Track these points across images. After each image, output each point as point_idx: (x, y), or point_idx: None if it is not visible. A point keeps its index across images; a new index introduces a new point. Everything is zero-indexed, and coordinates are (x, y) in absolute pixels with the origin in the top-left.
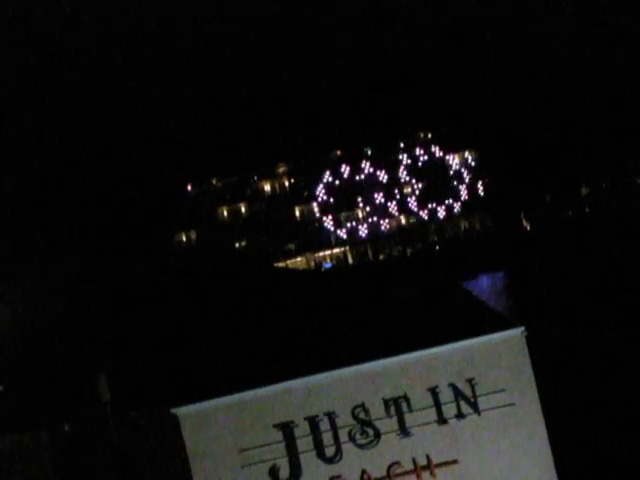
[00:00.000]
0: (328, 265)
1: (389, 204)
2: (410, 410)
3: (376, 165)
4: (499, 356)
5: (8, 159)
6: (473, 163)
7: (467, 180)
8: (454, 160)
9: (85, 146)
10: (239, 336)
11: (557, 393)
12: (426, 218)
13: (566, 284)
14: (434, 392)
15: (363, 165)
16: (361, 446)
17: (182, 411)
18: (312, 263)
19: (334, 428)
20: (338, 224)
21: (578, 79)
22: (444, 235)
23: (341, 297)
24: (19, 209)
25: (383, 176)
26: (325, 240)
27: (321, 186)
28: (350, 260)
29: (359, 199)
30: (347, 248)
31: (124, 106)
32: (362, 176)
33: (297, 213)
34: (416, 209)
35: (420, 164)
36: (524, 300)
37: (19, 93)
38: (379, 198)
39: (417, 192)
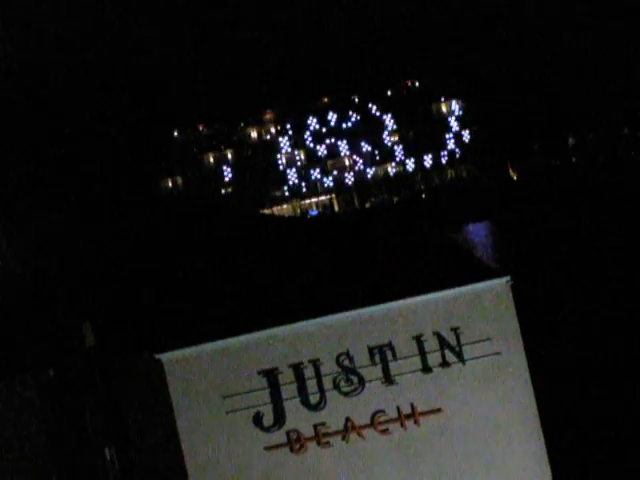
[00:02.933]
0: (314, 213)
1: (375, 152)
2: (395, 358)
3: (363, 113)
4: (484, 305)
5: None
6: (460, 112)
7: (454, 129)
8: (441, 109)
9: (73, 89)
10: (224, 283)
11: (542, 343)
12: (412, 167)
13: (551, 234)
14: (419, 340)
15: (350, 113)
16: (345, 394)
17: (166, 357)
18: (298, 211)
19: (318, 375)
20: (324, 172)
21: (566, 26)
22: (430, 184)
23: (327, 245)
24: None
25: (369, 124)
26: (311, 188)
27: (308, 133)
28: (336, 208)
29: (346, 147)
30: (333, 196)
31: (111, 50)
32: (349, 124)
33: (283, 160)
34: (402, 157)
35: (407, 113)
36: (510, 250)
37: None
38: (365, 146)
39: (404, 141)
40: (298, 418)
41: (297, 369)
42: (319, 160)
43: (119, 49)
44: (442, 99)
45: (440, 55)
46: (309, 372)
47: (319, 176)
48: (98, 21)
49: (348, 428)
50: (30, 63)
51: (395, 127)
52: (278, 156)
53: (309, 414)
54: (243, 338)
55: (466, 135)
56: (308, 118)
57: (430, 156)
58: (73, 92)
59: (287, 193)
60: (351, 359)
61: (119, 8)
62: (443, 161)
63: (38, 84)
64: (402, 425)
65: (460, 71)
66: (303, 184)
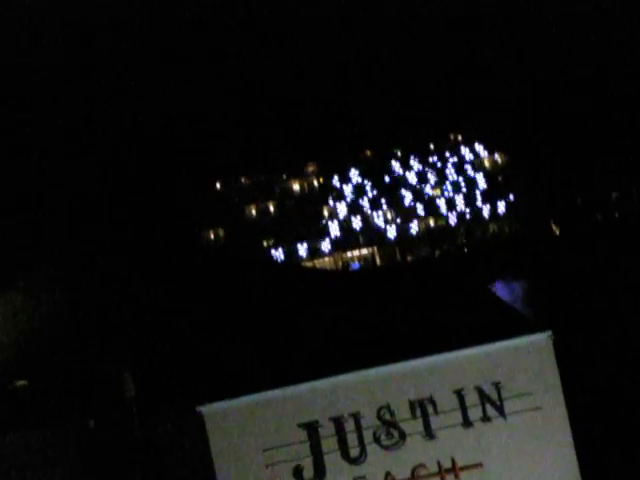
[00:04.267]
0: (356, 266)
1: (418, 205)
2: (435, 412)
3: (405, 166)
4: (525, 360)
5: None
6: (503, 166)
7: (497, 183)
8: (484, 163)
9: (116, 140)
10: (266, 335)
11: (583, 398)
12: (455, 220)
13: (594, 290)
14: (460, 394)
15: (392, 166)
16: (386, 447)
17: (207, 409)
18: (340, 263)
19: (359, 429)
20: (366, 225)
21: (609, 83)
22: (472, 238)
23: (368, 298)
24: (52, 199)
25: (412, 177)
26: (353, 241)
27: (350, 186)
28: (378, 261)
29: (388, 200)
30: (375, 249)
31: (155, 101)
32: (391, 177)
33: (325, 213)
34: (445, 211)
35: (450, 166)
36: (551, 305)
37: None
38: (408, 199)
39: (446, 194)
40: (338, 472)
41: (337, 422)
42: (361, 213)
43: (164, 97)
44: (486, 153)
45: (485, 108)
46: (349, 425)
47: (361, 229)
48: (136, 69)
49: None
50: (76, 118)
51: (437, 180)
52: (320, 209)
53: (349, 468)
54: (284, 391)
55: (509, 190)
56: (350, 171)
57: (472, 210)
58: (117, 143)
59: (329, 246)
60: (392, 413)
61: (164, 57)
62: (485, 215)
63: (82, 135)
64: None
65: (504, 125)
66: (345, 237)
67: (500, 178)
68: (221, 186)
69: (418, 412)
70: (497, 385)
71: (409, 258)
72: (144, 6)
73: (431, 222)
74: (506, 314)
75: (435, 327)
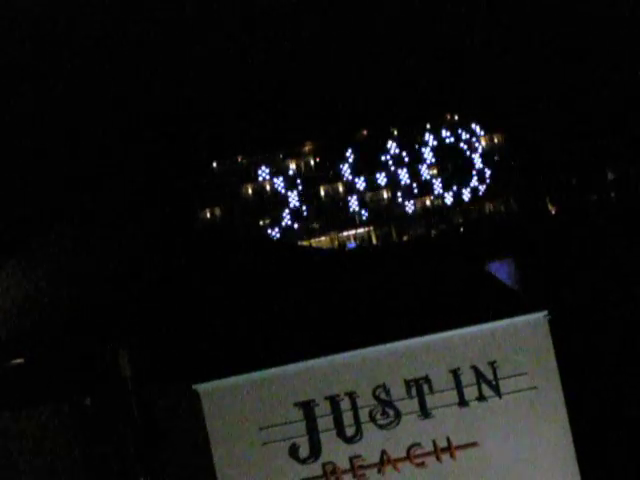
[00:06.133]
0: (352, 245)
1: (414, 185)
2: (431, 392)
3: (402, 146)
4: (521, 339)
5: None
6: (499, 146)
7: (493, 163)
8: (480, 142)
9: (113, 121)
10: (262, 314)
11: (579, 377)
12: (451, 200)
13: (590, 269)
14: (456, 374)
15: (389, 145)
16: (381, 426)
17: (203, 387)
18: (336, 243)
19: (355, 408)
20: (362, 204)
21: (607, 62)
22: (468, 217)
23: (364, 277)
24: (51, 177)
25: (408, 157)
26: (349, 220)
27: (346, 165)
28: (374, 240)
29: (384, 179)
30: (371, 228)
31: (152, 82)
32: (388, 156)
33: (322, 192)
34: (441, 191)
35: (446, 146)
36: (547, 284)
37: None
38: (404, 179)
39: (442, 174)
40: (334, 450)
41: (333, 401)
42: (357, 192)
43: (160, 78)
44: (482, 133)
45: (480, 88)
46: (345, 404)
47: (357, 208)
48: (140, 49)
49: (384, 461)
50: (75, 98)
51: (434, 160)
52: (317, 188)
53: (345, 447)
54: (280, 370)
55: (505, 169)
56: (347, 150)
57: (468, 189)
58: (112, 123)
59: (325, 225)
60: (387, 392)
61: (160, 36)
62: (481, 194)
63: (79, 118)
64: (438, 459)
65: (500, 105)
66: (341, 216)
67: (496, 158)
68: (217, 165)
69: (414, 391)
70: (493, 364)
71: (405, 237)
72: None
73: (427, 202)
74: (502, 293)
75: (431, 306)
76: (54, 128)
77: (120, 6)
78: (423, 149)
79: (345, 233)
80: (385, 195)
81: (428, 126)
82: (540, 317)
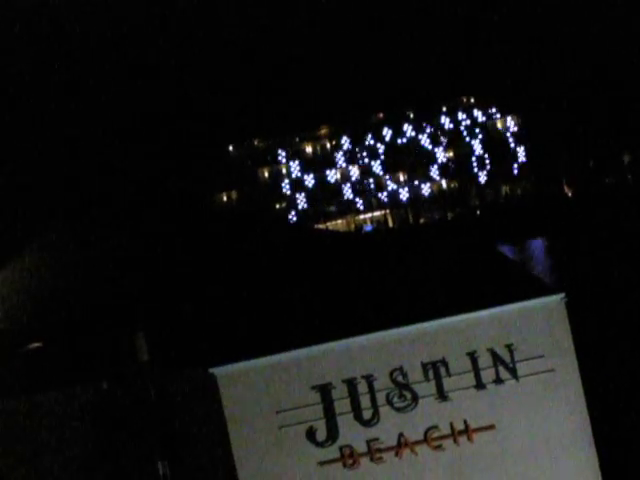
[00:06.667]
0: (369, 228)
1: (430, 168)
2: (448, 374)
3: (418, 128)
4: (538, 322)
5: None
6: (516, 128)
7: (509, 145)
8: (496, 125)
9: (129, 105)
10: (278, 297)
11: (596, 360)
12: (467, 183)
13: (607, 252)
14: (473, 357)
15: (405, 128)
16: (399, 409)
17: (220, 371)
18: (352, 226)
19: (372, 391)
20: (379, 187)
21: (624, 44)
22: (485, 201)
23: (381, 260)
24: (62, 166)
25: (425, 140)
26: (366, 203)
27: (363, 148)
28: (390, 223)
29: (400, 162)
30: (388, 211)
31: (168, 66)
32: (404, 139)
33: (338, 175)
34: (457, 173)
35: (462, 128)
36: (564, 266)
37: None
38: (420, 162)
39: (458, 157)
40: (351, 433)
41: (351, 384)
42: (374, 175)
43: (177, 62)
44: (498, 115)
45: (496, 71)
46: (362, 387)
47: (374, 192)
48: (155, 38)
49: (401, 444)
50: (87, 84)
51: (450, 142)
52: (333, 171)
53: (362, 429)
54: (297, 353)
55: (521, 152)
56: (363, 133)
57: (485, 172)
58: (129, 108)
59: (342, 208)
60: (405, 375)
61: (175, 28)
62: (498, 177)
63: (95, 103)
64: (455, 441)
65: (516, 87)
66: (357, 200)
67: (512, 140)
68: (234, 149)
69: (431, 374)
70: (510, 347)
71: (421, 220)
72: None
73: (444, 184)
74: (519, 276)
75: (448, 289)
76: (69, 113)
77: None
78: (439, 131)
79: (361, 216)
80: (401, 178)
81: (444, 109)
82: (557, 300)
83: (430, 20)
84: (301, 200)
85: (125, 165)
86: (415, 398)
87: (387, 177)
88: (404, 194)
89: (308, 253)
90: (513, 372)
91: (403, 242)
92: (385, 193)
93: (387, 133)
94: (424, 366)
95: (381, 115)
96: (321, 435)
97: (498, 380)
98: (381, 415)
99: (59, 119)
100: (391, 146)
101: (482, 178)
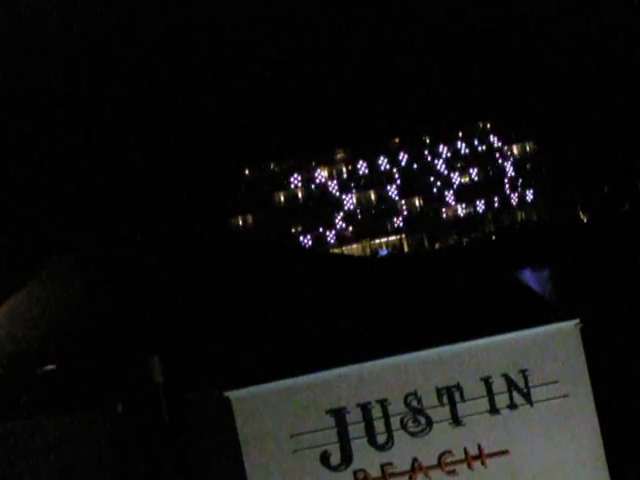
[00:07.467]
0: (384, 253)
1: (446, 193)
2: (463, 399)
3: (434, 154)
4: (553, 348)
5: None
6: (531, 154)
7: (524, 171)
8: (512, 150)
9: (144, 128)
10: (293, 321)
11: (610, 386)
12: (482, 208)
13: (621, 278)
14: (487, 382)
15: (421, 153)
16: (413, 434)
17: (235, 395)
18: (368, 250)
19: (386, 415)
20: (395, 212)
21: (636, 68)
22: (500, 225)
23: (396, 285)
24: (79, 189)
25: (441, 165)
26: (381, 228)
27: (379, 173)
28: (406, 248)
29: (416, 187)
30: (403, 236)
31: (182, 88)
32: (420, 164)
33: (354, 200)
34: (473, 199)
35: (478, 154)
36: (579, 292)
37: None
38: (436, 187)
39: (474, 182)
40: (365, 458)
41: (365, 409)
42: (389, 200)
43: (191, 85)
44: (514, 141)
45: (513, 97)
46: (377, 412)
47: (389, 216)
48: (173, 57)
49: (415, 469)
50: (103, 106)
51: (466, 168)
52: (349, 196)
53: (376, 454)
54: (311, 377)
55: (537, 177)
56: (379, 158)
57: (500, 197)
58: (144, 130)
59: (357, 233)
60: (419, 400)
61: (192, 42)
62: (513, 203)
63: (113, 119)
64: (469, 466)
65: (532, 113)
66: (373, 224)
67: (528, 166)
68: (250, 172)
69: (445, 399)
70: (524, 372)
71: (437, 245)
72: None
73: (459, 210)
74: (534, 302)
75: (463, 314)
76: (86, 134)
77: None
78: (455, 157)
79: (377, 241)
80: (417, 203)
81: (460, 134)
82: (571, 325)
83: (449, 46)
84: (317, 224)
85: (140, 189)
86: (429, 423)
87: (403, 202)
88: (420, 219)
89: (323, 277)
90: (527, 397)
91: (418, 267)
92: (400, 217)
93: (403, 158)
94: (438, 391)
95: (397, 140)
96: (335, 459)
97: (512, 405)
98: (395, 439)
99: (74, 156)
100: (407, 171)
101: (497, 203)
